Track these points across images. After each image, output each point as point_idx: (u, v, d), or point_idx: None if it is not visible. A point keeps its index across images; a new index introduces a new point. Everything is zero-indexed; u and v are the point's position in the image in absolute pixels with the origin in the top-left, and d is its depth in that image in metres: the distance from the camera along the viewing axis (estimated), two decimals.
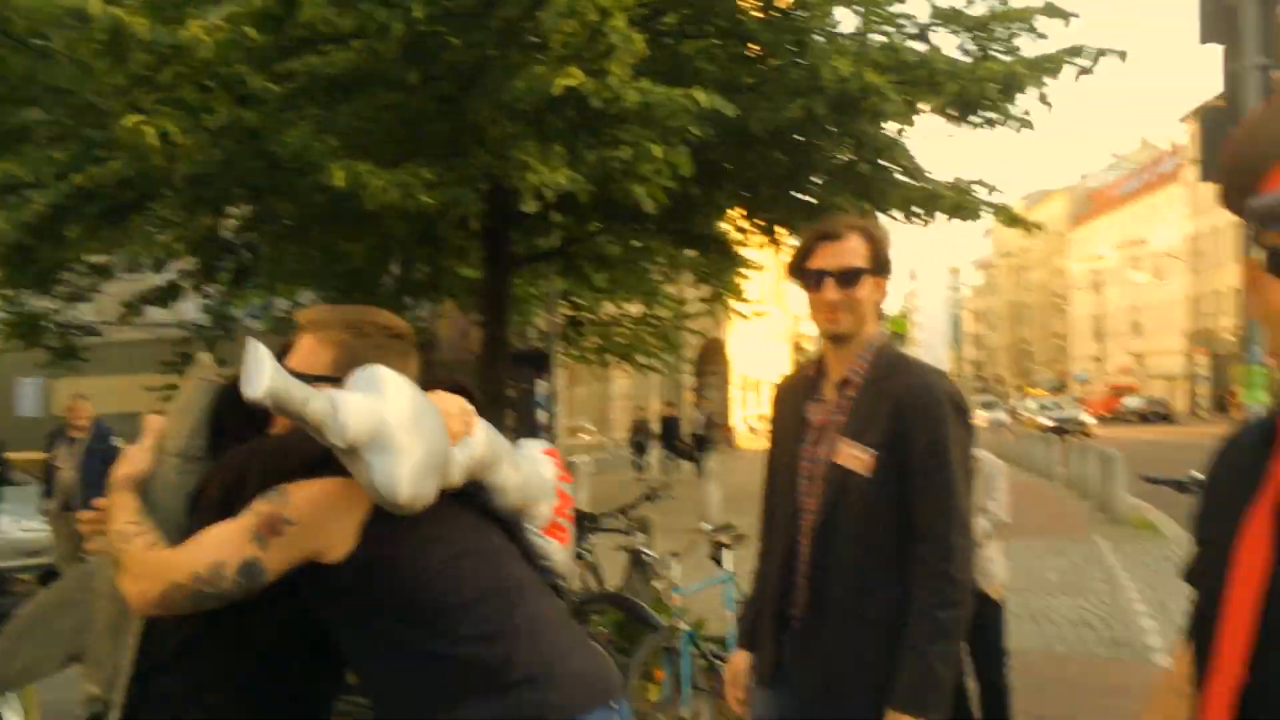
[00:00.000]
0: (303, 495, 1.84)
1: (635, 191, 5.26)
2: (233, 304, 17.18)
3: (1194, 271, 60.73)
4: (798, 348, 57.38)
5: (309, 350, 1.93)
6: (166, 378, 17.50)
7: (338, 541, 1.82)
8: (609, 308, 17.23)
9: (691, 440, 24.19)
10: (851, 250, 2.38)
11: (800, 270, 2.42)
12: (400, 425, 1.71)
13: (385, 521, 1.79)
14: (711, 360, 36.12)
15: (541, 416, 15.80)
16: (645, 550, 6.05)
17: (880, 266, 2.40)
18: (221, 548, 1.81)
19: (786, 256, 8.85)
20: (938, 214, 6.94)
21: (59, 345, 17.52)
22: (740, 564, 8.45)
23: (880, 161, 7.18)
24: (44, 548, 10.75)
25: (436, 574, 1.84)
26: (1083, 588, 8.74)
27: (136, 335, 25.03)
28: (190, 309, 25.07)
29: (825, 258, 2.38)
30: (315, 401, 1.67)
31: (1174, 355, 66.72)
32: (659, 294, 15.92)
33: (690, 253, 8.70)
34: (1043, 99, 6.44)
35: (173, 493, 1.90)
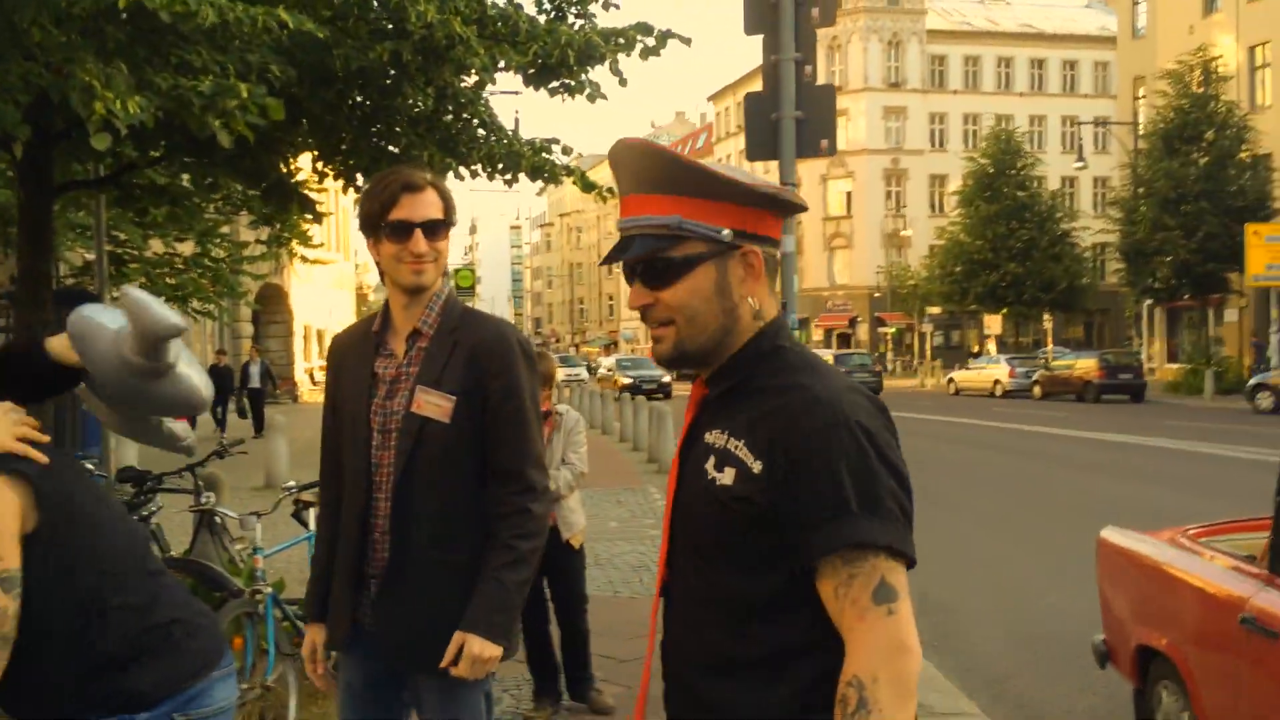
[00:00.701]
0: None
1: (213, 125, 4.88)
2: None
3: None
4: (362, 297, 56.13)
5: None
6: None
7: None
8: (156, 245, 15.79)
9: (244, 393, 22.71)
10: (432, 202, 2.41)
11: (381, 221, 2.39)
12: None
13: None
14: (272, 308, 34.34)
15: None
16: (222, 510, 5.73)
17: (451, 221, 2.47)
18: None
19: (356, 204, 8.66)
20: (520, 175, 7.17)
21: None
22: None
23: (464, 116, 7.27)
24: None
25: None
26: (640, 534, 9.58)
27: None
28: None
29: (409, 209, 2.38)
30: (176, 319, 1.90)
31: None
32: (214, 234, 14.88)
33: (254, 192, 8.21)
34: (615, 71, 6.86)
35: None
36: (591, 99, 7.13)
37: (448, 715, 2.40)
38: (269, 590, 5.37)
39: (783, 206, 1.62)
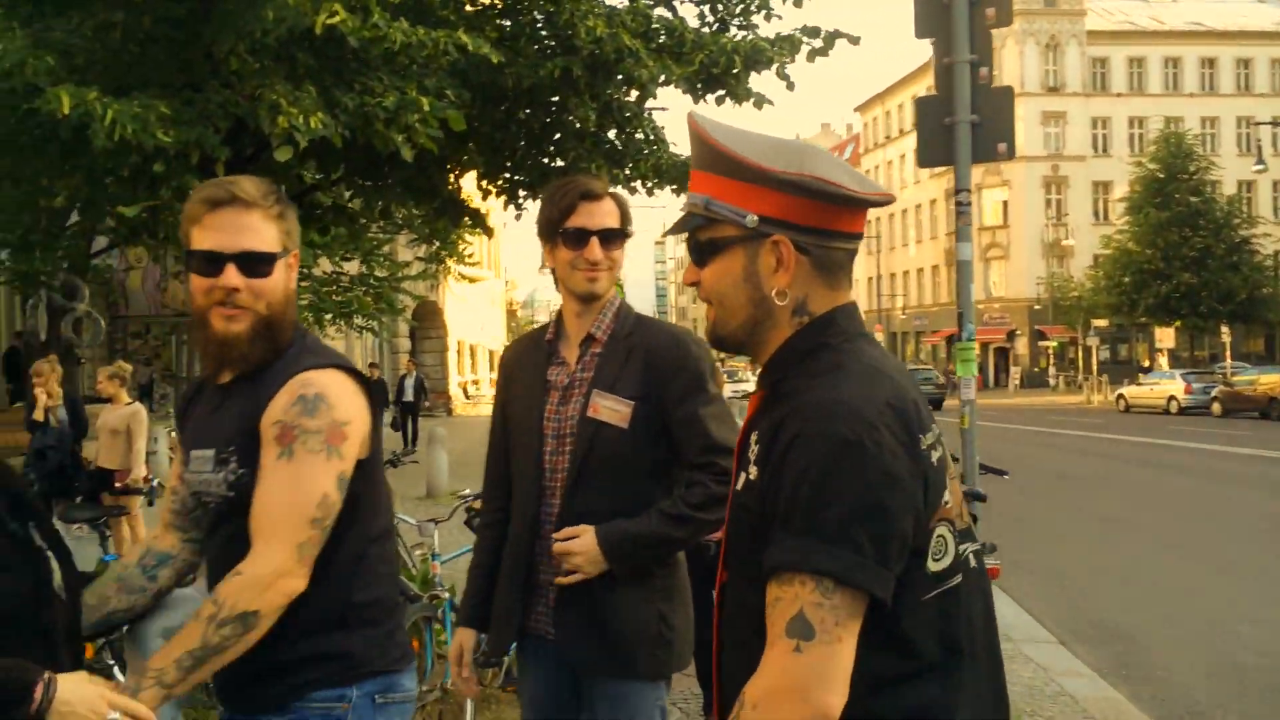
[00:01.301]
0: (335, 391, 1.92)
1: (395, 141, 5.05)
2: None
3: (870, 254, 66.11)
4: (511, 314, 57.50)
5: None
6: None
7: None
8: (324, 264, 16.54)
9: (399, 407, 23.38)
10: (609, 211, 2.42)
11: (559, 227, 2.40)
12: None
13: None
14: (428, 324, 35.52)
15: None
16: (399, 516, 5.90)
17: (627, 231, 2.47)
18: (315, 481, 1.83)
19: (522, 219, 8.90)
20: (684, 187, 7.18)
21: None
22: None
23: (627, 129, 7.33)
24: None
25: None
26: None
27: None
28: None
29: (587, 216, 2.38)
30: None
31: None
32: (377, 253, 15.47)
33: (419, 210, 8.46)
34: (783, 75, 6.78)
35: None
36: (758, 105, 7.07)
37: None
38: (446, 596, 5.48)
39: (822, 196, 1.44)
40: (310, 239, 10.45)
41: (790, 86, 6.89)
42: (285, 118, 4.46)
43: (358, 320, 17.68)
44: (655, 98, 7.31)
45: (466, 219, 7.28)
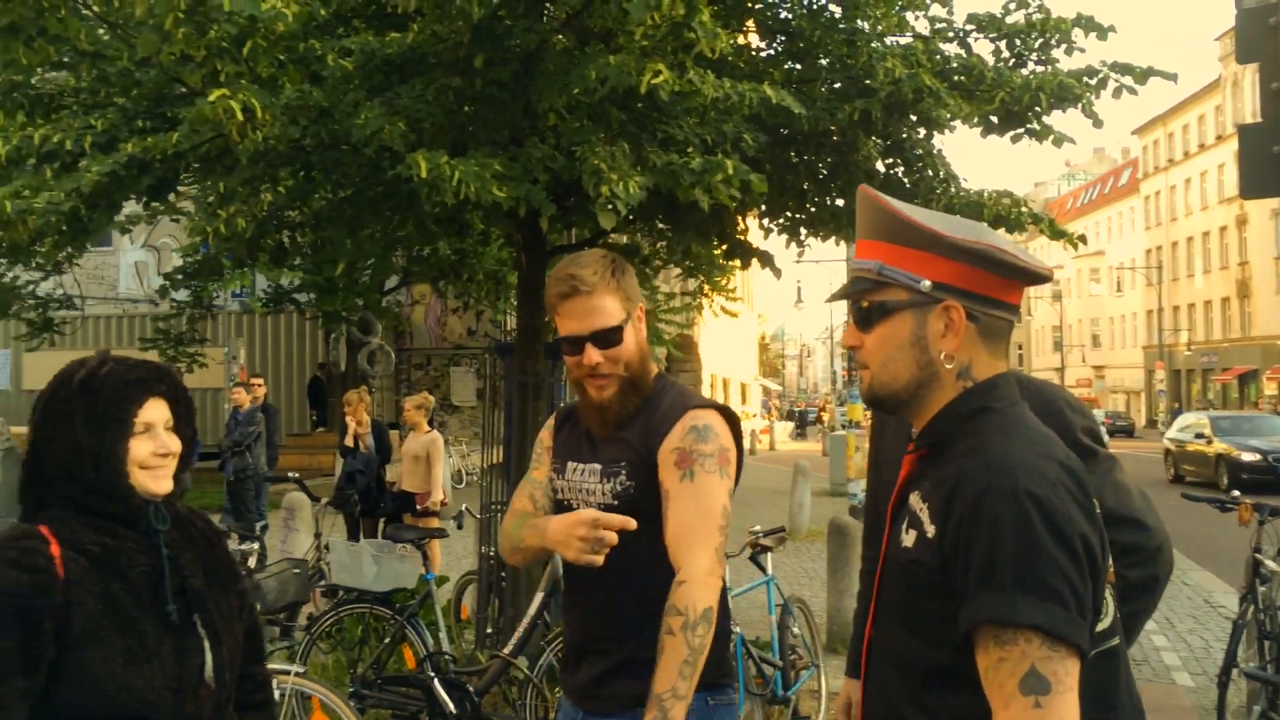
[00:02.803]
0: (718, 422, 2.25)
1: (698, 197, 5.24)
2: (215, 284, 16.95)
3: (1150, 285, 61.70)
4: (763, 348, 57.52)
5: None
6: (145, 354, 17.23)
7: None
8: None
9: None
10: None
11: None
12: None
13: None
14: (683, 357, 36.15)
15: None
16: None
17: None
18: (714, 495, 2.12)
19: (792, 255, 8.88)
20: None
21: (36, 318, 17.28)
22: (778, 567, 8.49)
23: (917, 168, 7.23)
24: None
25: None
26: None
27: (109, 310, 24.74)
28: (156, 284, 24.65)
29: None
30: None
31: (1133, 369, 67.64)
32: (645, 286, 15.95)
33: (715, 252, 8.67)
34: (1089, 113, 6.50)
35: None
36: (1058, 144, 6.81)
37: None
38: (738, 631, 5.54)
39: (998, 266, 1.50)
40: None
41: (1098, 124, 6.59)
42: (607, 185, 4.74)
43: None
44: (947, 133, 7.18)
45: (756, 260, 7.42)
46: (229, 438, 12.42)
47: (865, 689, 1.65)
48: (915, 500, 1.53)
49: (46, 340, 17.32)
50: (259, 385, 12.99)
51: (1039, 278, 1.54)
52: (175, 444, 1.89)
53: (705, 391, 38.89)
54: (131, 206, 7.89)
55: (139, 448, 1.83)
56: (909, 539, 1.51)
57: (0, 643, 1.63)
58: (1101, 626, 1.47)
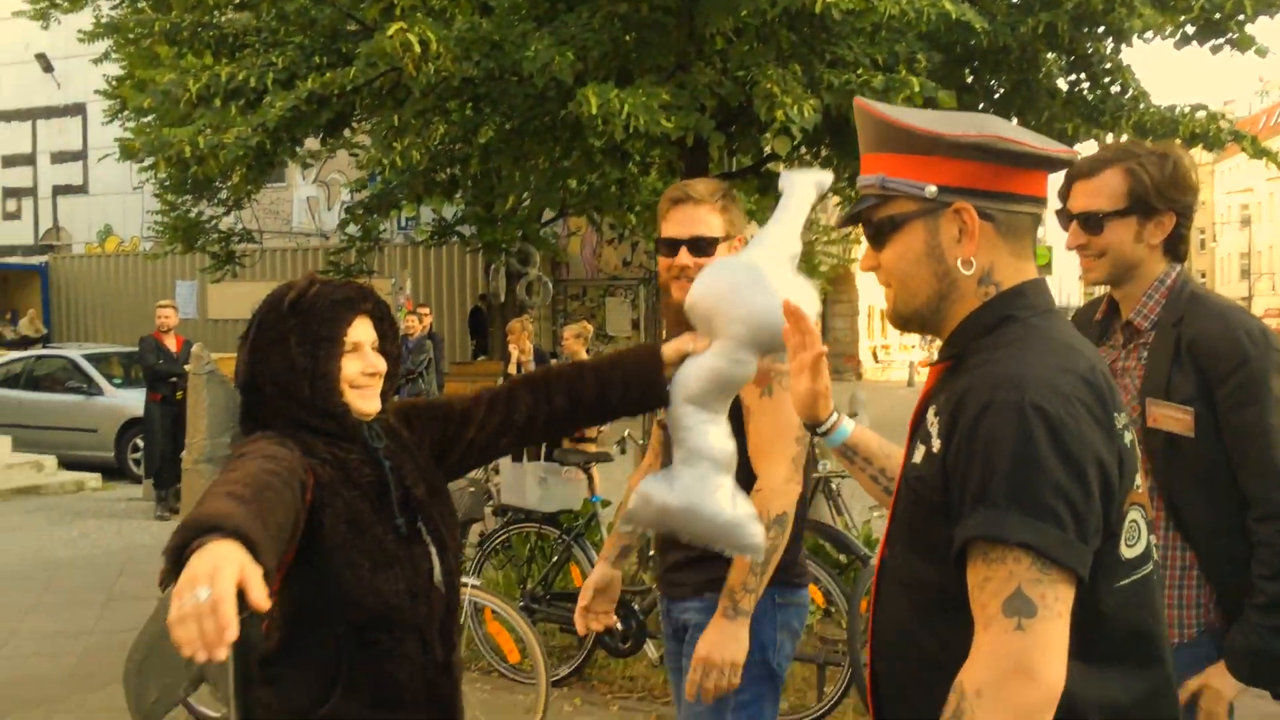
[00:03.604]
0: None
1: None
2: (381, 216, 17.56)
3: None
4: None
5: None
6: None
7: None
8: (752, 229, 17.04)
9: None
10: (1099, 190, 2.16)
11: (1063, 211, 2.26)
12: None
13: None
14: (840, 289, 35.53)
15: None
16: (837, 476, 5.98)
17: (1142, 205, 2.14)
18: (792, 411, 1.96)
19: None
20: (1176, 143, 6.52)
21: (220, 252, 18.30)
22: None
23: (1103, 83, 6.80)
24: None
25: None
26: None
27: (284, 244, 25.97)
28: (331, 219, 25.74)
29: (1076, 198, 2.20)
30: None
31: None
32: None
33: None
34: None
35: None
36: (1261, 54, 6.27)
37: None
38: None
39: (1006, 156, 1.38)
40: (766, 206, 10.80)
41: None
42: (781, 110, 4.63)
43: None
44: (1130, 45, 6.72)
45: None
46: (400, 365, 12.95)
47: (875, 612, 1.57)
48: (930, 415, 1.44)
49: (229, 272, 18.33)
50: (426, 314, 13.45)
51: (1057, 161, 1.44)
52: (381, 363, 1.90)
53: (862, 324, 38.18)
54: (310, 143, 8.21)
55: (349, 366, 1.85)
56: (919, 455, 1.44)
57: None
58: (1131, 554, 1.35)
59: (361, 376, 1.87)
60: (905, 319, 1.53)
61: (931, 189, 1.42)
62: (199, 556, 1.27)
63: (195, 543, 1.31)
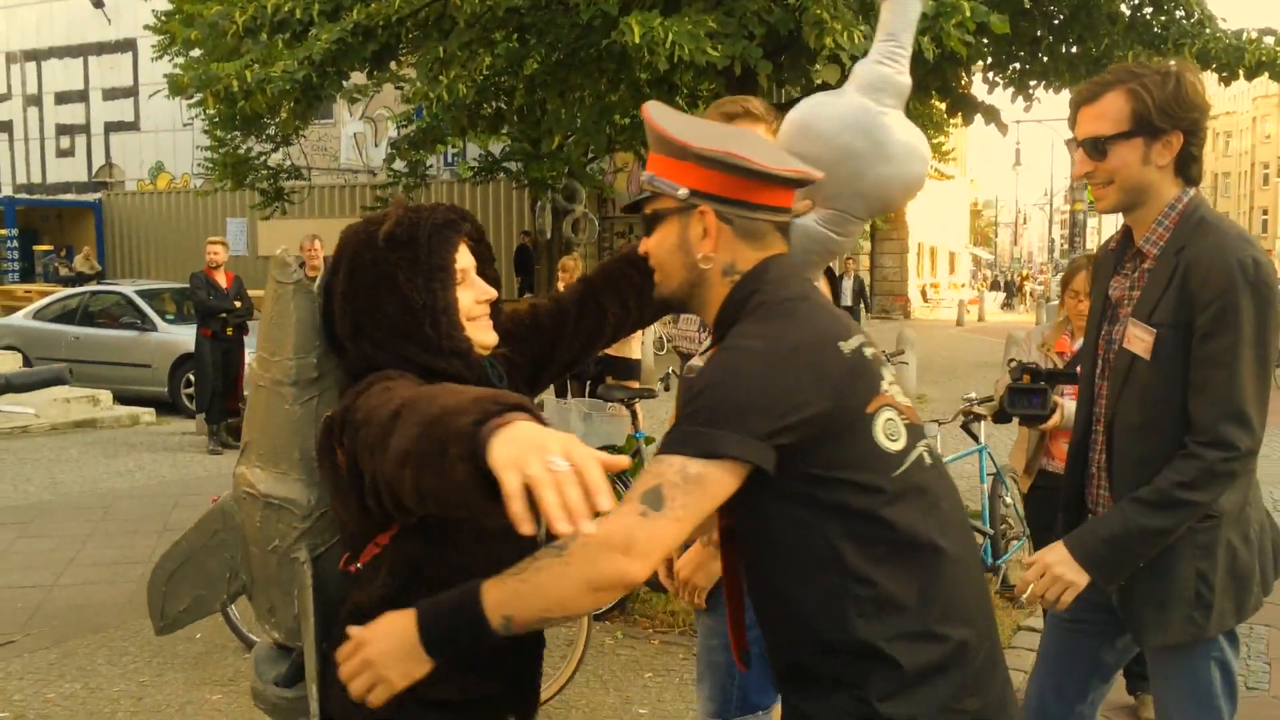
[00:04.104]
0: None
1: (920, 42, 4.89)
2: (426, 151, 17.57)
3: None
4: (975, 214, 54.97)
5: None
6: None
7: None
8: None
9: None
10: (1102, 114, 2.09)
11: (1072, 140, 2.20)
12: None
13: None
14: (888, 224, 35.00)
15: None
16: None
17: (1146, 125, 2.05)
18: None
19: (1026, 113, 8.25)
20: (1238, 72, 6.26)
21: (269, 188, 18.44)
22: (991, 436, 8.31)
23: (1166, 8, 6.54)
24: None
25: None
26: None
27: (332, 180, 26.09)
28: (378, 156, 25.73)
29: (1081, 125, 2.13)
30: None
31: None
32: None
33: (919, 106, 8.18)
34: None
35: (293, 429, 1.66)
36: None
37: (1167, 681, 2.21)
38: None
39: (737, 171, 1.54)
40: None
41: None
42: (831, 36, 4.49)
43: None
44: None
45: (980, 115, 6.95)
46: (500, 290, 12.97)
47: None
48: None
49: (279, 209, 18.44)
50: None
51: (784, 180, 1.58)
52: (491, 289, 1.69)
53: (912, 261, 37.67)
54: (357, 78, 8.16)
55: (463, 297, 1.64)
56: None
57: None
58: (895, 447, 1.50)
59: (476, 305, 1.66)
60: (665, 300, 1.71)
61: (683, 191, 1.59)
62: (529, 427, 1.17)
63: (503, 418, 1.19)
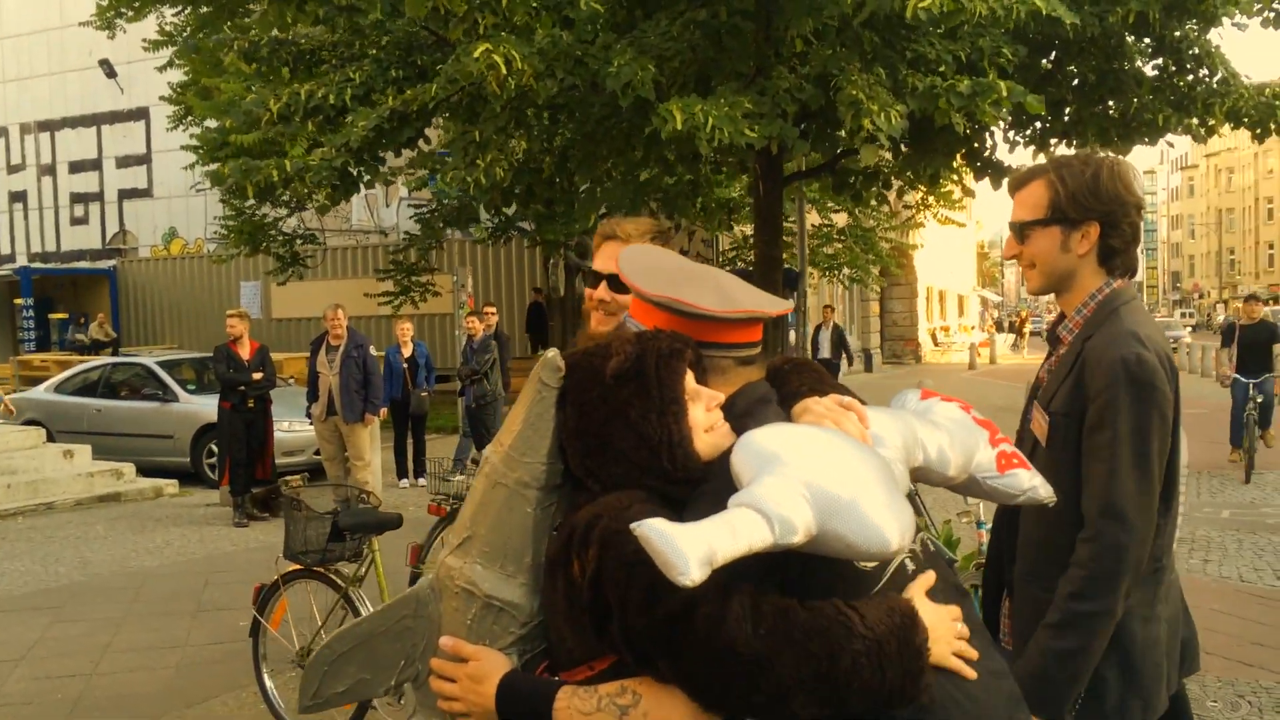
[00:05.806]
0: None
1: (956, 121, 4.92)
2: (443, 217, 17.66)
3: None
4: (982, 256, 55.07)
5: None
6: (383, 284, 18.14)
7: None
8: (812, 218, 16.78)
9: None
10: (1025, 201, 2.16)
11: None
12: (828, 477, 1.39)
13: None
14: (897, 271, 35.03)
15: (792, 338, 15.40)
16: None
17: (1061, 215, 2.10)
18: None
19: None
20: (1270, 128, 6.28)
21: (285, 254, 18.53)
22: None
23: (1189, 69, 6.58)
24: (306, 446, 11.66)
25: None
26: None
27: (344, 242, 26.23)
28: (390, 216, 25.88)
29: (1013, 209, 2.21)
30: (750, 535, 1.35)
31: None
32: (867, 203, 15.44)
33: (964, 173, 8.20)
34: None
35: (529, 534, 1.64)
36: None
37: None
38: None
39: (682, 314, 1.59)
40: (839, 202, 10.64)
41: None
42: (868, 118, 4.50)
43: (845, 273, 17.77)
44: (1220, 26, 6.49)
45: (1005, 179, 6.94)
46: (466, 365, 12.98)
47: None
48: None
49: (295, 274, 18.51)
50: (491, 314, 13.47)
51: (724, 321, 1.58)
52: (716, 394, 1.64)
53: (921, 306, 37.70)
54: (391, 159, 8.21)
55: (695, 414, 1.60)
56: None
57: None
58: (868, 566, 1.45)
59: (707, 415, 1.62)
60: None
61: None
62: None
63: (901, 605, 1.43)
